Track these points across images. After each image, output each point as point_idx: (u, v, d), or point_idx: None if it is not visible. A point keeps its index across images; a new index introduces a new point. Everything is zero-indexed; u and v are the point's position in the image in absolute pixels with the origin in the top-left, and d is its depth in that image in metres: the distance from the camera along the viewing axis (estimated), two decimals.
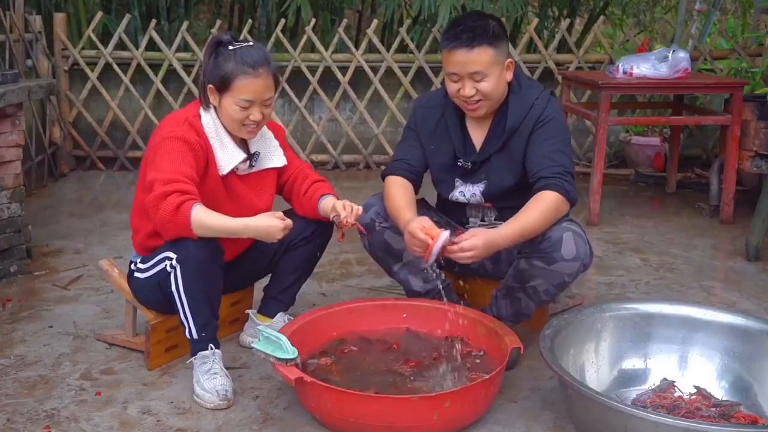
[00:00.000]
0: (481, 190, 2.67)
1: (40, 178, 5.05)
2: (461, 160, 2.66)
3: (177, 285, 2.37)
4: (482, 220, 2.74)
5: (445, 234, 2.32)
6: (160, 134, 2.43)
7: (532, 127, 2.54)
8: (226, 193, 2.51)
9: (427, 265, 2.43)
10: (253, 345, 2.29)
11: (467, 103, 2.52)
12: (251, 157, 2.57)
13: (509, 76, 2.54)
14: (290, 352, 2.22)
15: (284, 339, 2.24)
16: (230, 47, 2.44)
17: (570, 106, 4.80)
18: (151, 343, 2.56)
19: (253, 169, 2.59)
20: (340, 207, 2.52)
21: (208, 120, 2.49)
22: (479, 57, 2.44)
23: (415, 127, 2.73)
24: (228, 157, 2.50)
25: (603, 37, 5.70)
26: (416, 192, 2.71)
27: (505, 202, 2.65)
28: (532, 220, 2.41)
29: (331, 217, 2.53)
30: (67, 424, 2.25)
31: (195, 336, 2.42)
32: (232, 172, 2.52)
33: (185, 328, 2.43)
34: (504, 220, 2.53)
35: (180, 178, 2.33)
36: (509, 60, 2.53)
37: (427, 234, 2.33)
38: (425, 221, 2.39)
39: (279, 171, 2.69)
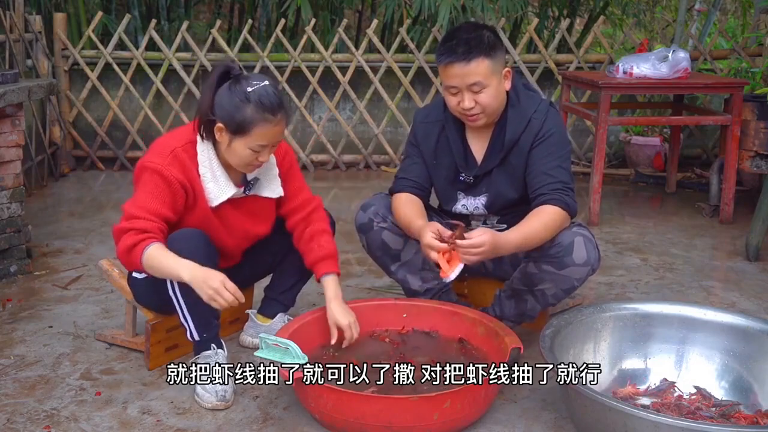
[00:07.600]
0: (483, 203, 2.67)
1: (40, 178, 5.05)
2: (463, 174, 2.66)
3: (174, 288, 2.36)
4: (484, 223, 2.74)
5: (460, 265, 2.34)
6: (144, 159, 2.36)
7: (532, 143, 2.54)
8: (217, 221, 2.46)
9: (447, 280, 2.40)
10: (256, 354, 2.26)
11: (467, 115, 2.51)
12: (248, 184, 2.50)
13: (508, 85, 2.53)
14: (301, 357, 2.20)
15: (293, 345, 2.21)
16: (248, 88, 2.28)
17: (570, 106, 4.80)
18: (151, 343, 2.56)
19: (249, 193, 2.51)
20: (335, 327, 2.48)
21: (203, 150, 2.39)
22: (476, 69, 2.42)
23: (417, 143, 2.71)
24: (218, 190, 2.42)
25: (603, 37, 5.70)
26: (424, 205, 2.71)
27: (507, 213, 2.66)
28: (534, 231, 2.41)
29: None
30: (67, 424, 2.25)
31: (196, 338, 2.42)
32: None
33: (186, 330, 2.42)
34: (506, 225, 2.54)
35: (143, 215, 2.29)
36: (507, 69, 2.51)
37: (439, 238, 2.33)
38: (434, 226, 2.38)
39: (278, 200, 2.61)
